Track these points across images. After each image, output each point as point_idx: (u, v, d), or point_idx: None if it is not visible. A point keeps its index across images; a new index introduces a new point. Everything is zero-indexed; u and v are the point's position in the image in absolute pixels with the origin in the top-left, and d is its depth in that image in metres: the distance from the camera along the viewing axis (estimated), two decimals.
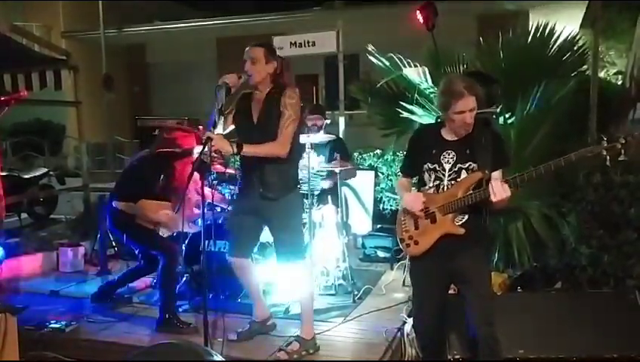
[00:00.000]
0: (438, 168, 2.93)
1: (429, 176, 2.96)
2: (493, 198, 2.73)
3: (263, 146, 3.32)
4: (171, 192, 4.07)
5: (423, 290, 3.12)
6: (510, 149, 4.09)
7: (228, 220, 3.91)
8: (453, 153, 2.90)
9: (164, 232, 4.10)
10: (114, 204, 4.11)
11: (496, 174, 2.87)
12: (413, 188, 3.18)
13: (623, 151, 2.62)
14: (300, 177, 3.69)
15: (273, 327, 3.81)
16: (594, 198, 4.36)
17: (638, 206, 4.24)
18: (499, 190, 2.72)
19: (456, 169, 2.90)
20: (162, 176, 4.05)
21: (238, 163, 3.78)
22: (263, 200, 3.41)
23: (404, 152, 3.30)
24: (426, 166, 2.96)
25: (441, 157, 2.92)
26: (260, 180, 3.41)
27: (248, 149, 3.29)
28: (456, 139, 2.92)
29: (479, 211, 2.91)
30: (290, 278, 3.66)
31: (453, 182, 2.90)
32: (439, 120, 3.12)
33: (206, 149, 3.07)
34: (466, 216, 2.91)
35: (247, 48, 3.39)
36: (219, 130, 3.41)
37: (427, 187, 2.99)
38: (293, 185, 3.49)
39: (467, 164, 2.88)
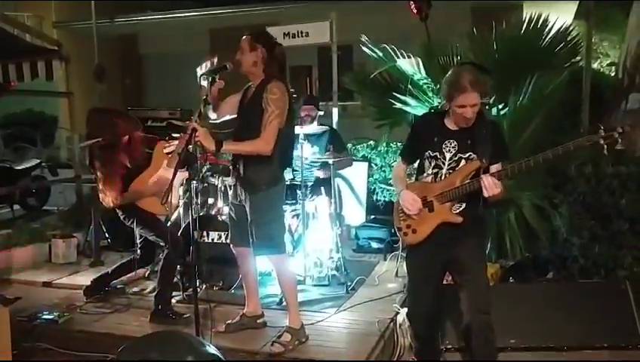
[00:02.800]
0: (438, 156, 2.94)
1: (429, 163, 2.97)
2: (486, 194, 2.75)
3: (245, 144, 3.30)
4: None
5: (418, 279, 3.14)
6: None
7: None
8: (455, 143, 2.92)
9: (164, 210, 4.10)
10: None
11: (496, 167, 2.89)
12: (411, 178, 3.19)
13: (620, 140, 2.64)
14: (284, 172, 3.63)
15: (263, 325, 3.77)
16: (585, 189, 4.38)
17: (630, 196, 4.26)
18: (490, 185, 2.74)
19: (456, 158, 2.91)
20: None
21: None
22: (243, 192, 3.43)
23: (402, 141, 3.31)
24: (427, 153, 2.98)
25: (443, 145, 2.94)
26: (243, 173, 3.41)
27: (229, 147, 3.28)
28: (458, 128, 2.93)
29: (476, 200, 2.92)
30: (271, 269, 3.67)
31: (451, 171, 2.92)
32: (432, 110, 3.12)
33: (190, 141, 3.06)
34: (464, 205, 2.93)
35: None
36: (211, 115, 3.41)
37: (425, 174, 3.00)
38: (272, 182, 3.40)
39: (467, 154, 2.90)
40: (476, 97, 2.79)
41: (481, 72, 2.88)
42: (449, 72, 2.91)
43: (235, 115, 3.54)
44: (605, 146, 2.66)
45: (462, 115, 2.83)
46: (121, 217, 4.16)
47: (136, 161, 4.09)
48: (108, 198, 4.05)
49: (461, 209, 2.93)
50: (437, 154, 2.95)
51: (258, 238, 3.44)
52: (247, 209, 3.44)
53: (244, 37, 3.38)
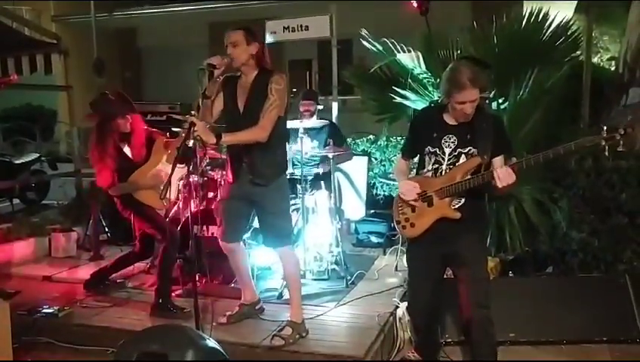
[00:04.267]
0: (438, 152, 2.94)
1: (429, 159, 2.97)
2: (499, 184, 2.74)
3: (242, 133, 3.29)
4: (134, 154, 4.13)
5: (418, 273, 3.15)
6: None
7: (220, 205, 3.91)
8: (455, 138, 2.91)
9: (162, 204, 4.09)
10: (110, 192, 4.12)
11: (498, 161, 2.88)
12: (412, 171, 3.19)
13: (621, 142, 2.63)
14: (289, 162, 3.67)
15: (262, 311, 3.83)
16: (585, 183, 4.39)
17: (629, 191, 4.26)
18: (504, 176, 2.73)
19: (456, 153, 2.91)
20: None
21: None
22: (253, 186, 3.41)
23: (402, 135, 3.31)
24: (427, 149, 2.98)
25: (442, 141, 2.93)
26: (248, 166, 3.40)
27: (228, 138, 3.26)
28: (457, 123, 2.92)
29: (476, 195, 2.93)
30: (276, 262, 3.67)
31: (451, 166, 2.91)
32: (432, 104, 3.12)
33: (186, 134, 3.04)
34: (463, 200, 2.93)
35: (226, 34, 3.35)
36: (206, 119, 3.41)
37: (426, 170, 3.00)
38: (281, 171, 3.48)
39: (467, 149, 2.89)
40: (476, 93, 2.78)
41: (479, 66, 2.87)
42: (447, 68, 2.90)
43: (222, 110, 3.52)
44: (607, 148, 2.65)
45: (462, 110, 2.83)
46: (119, 208, 4.16)
47: (137, 151, 4.09)
48: (98, 179, 4.06)
49: (460, 204, 2.94)
50: (436, 149, 2.94)
51: (272, 230, 3.46)
52: (259, 202, 3.43)
53: (234, 31, 3.33)
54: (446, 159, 2.93)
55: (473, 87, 2.76)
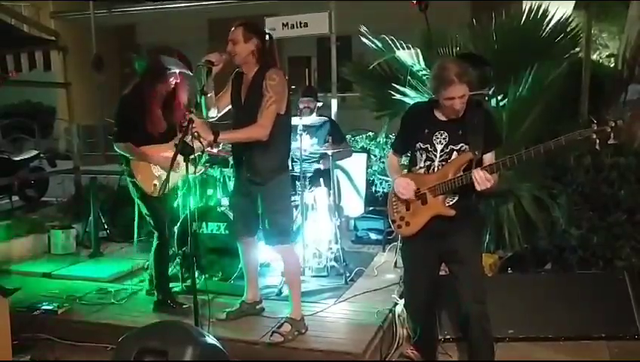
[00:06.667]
0: (429, 148, 2.93)
1: (421, 155, 2.97)
2: (478, 188, 2.74)
3: (241, 131, 3.30)
4: (170, 119, 3.83)
5: (413, 271, 3.15)
6: (502, 130, 4.10)
7: (229, 202, 3.90)
8: (446, 134, 2.91)
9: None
10: (115, 146, 3.84)
11: (489, 156, 2.88)
12: (404, 170, 3.18)
13: (612, 134, 2.63)
14: (289, 159, 3.66)
15: (262, 311, 3.82)
16: (584, 180, 4.39)
17: (628, 188, 4.27)
18: (482, 179, 2.73)
19: (447, 150, 2.90)
20: (149, 108, 3.75)
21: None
22: (252, 184, 3.42)
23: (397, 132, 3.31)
24: (418, 145, 2.97)
25: (434, 137, 2.93)
26: (247, 164, 3.40)
27: (226, 136, 3.27)
28: (448, 119, 2.92)
29: (470, 192, 2.92)
30: (276, 260, 3.67)
31: (444, 162, 2.91)
32: (431, 100, 3.11)
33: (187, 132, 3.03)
34: (457, 197, 2.93)
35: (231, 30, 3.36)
36: (212, 113, 3.41)
37: (418, 167, 2.99)
38: (281, 169, 3.46)
39: (459, 146, 2.89)
40: (463, 89, 2.78)
41: (469, 62, 2.87)
42: (434, 66, 2.90)
43: (229, 107, 3.53)
44: (597, 141, 2.65)
45: (451, 106, 2.83)
46: (130, 181, 3.89)
47: (178, 113, 3.81)
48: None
49: (454, 201, 2.94)
50: (428, 146, 2.94)
51: (271, 228, 3.45)
52: (259, 200, 3.44)
53: (234, 28, 3.35)
54: (438, 155, 2.92)
55: (460, 82, 2.76)
